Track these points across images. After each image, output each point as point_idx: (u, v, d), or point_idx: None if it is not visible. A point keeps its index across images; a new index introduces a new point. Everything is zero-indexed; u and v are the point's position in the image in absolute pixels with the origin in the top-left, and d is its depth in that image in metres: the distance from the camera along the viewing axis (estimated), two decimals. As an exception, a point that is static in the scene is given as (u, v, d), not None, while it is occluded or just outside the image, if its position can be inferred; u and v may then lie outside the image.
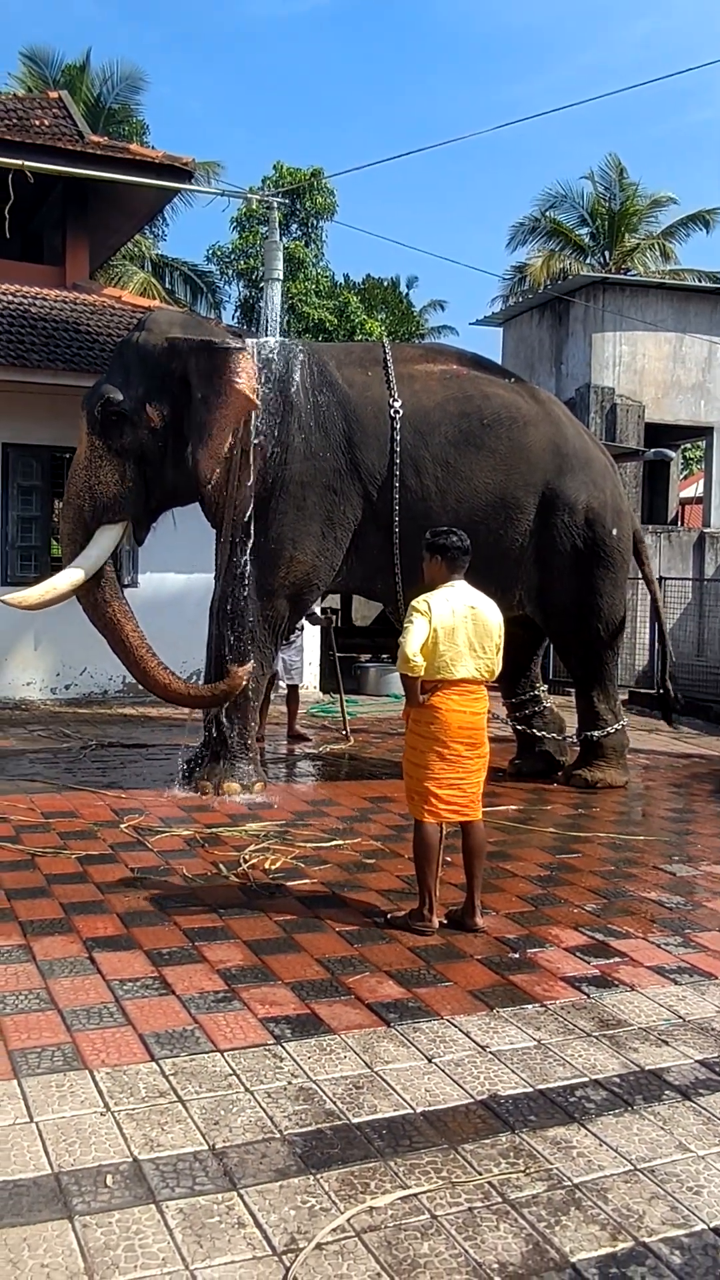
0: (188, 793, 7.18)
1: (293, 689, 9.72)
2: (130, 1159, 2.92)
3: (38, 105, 13.48)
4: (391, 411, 7.28)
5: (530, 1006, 4.05)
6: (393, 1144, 3.06)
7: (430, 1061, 3.57)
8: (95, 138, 13.02)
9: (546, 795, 7.72)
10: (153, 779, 7.68)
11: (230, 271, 28.04)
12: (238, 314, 27.38)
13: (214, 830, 6.29)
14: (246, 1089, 3.33)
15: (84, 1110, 3.15)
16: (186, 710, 8.05)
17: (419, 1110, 3.26)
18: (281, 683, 9.57)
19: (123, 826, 6.28)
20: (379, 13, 65.68)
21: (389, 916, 4.84)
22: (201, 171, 23.32)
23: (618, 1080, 3.51)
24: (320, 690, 12.76)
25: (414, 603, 4.73)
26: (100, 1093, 3.26)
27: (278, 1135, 3.08)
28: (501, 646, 4.84)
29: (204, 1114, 3.17)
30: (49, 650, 11.05)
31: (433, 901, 4.74)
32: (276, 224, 10.69)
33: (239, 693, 7.18)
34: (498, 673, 4.86)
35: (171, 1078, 3.37)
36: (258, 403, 6.87)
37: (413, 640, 4.58)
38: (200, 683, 7.65)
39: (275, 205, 10.43)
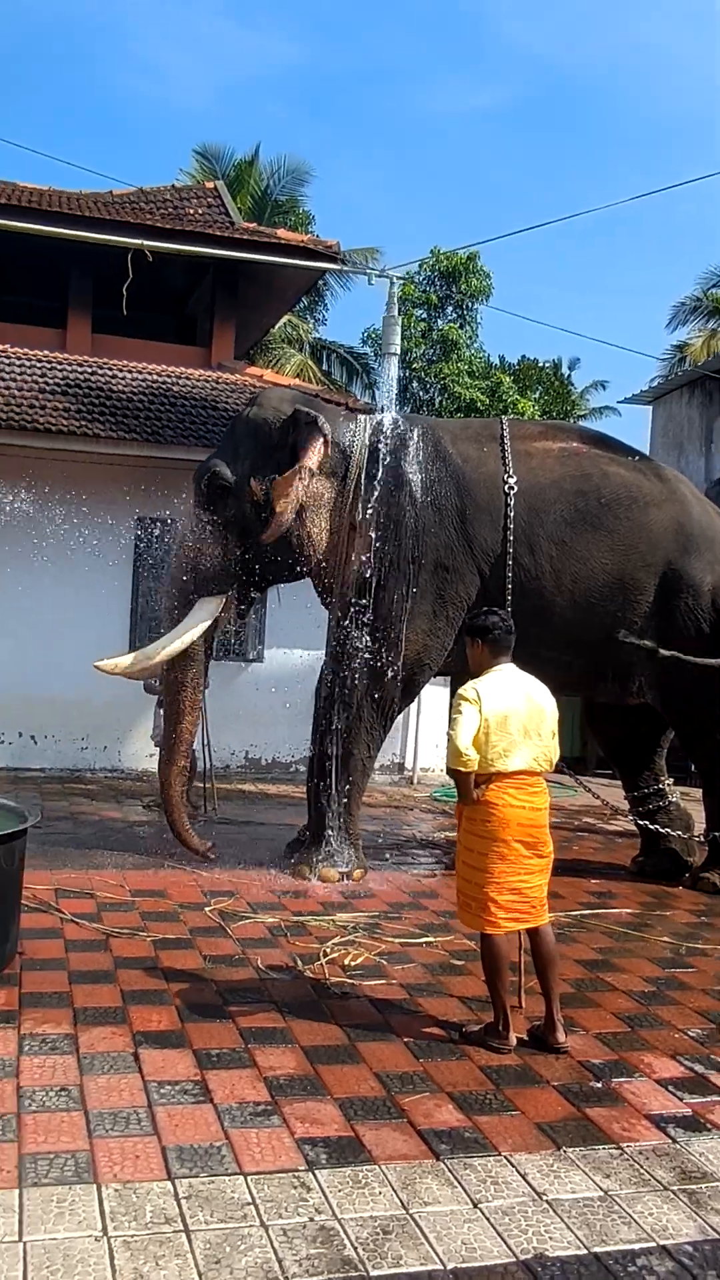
0: (285, 877, 6.94)
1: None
2: (112, 1297, 2.64)
3: (194, 195, 14.03)
4: (505, 487, 7.02)
5: (603, 1148, 3.60)
6: (410, 1307, 2.69)
7: (475, 1206, 3.18)
8: (245, 224, 13.42)
9: (667, 900, 7.14)
10: (254, 859, 7.45)
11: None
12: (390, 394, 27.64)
13: (301, 919, 6.01)
14: (261, 1222, 3.01)
15: (79, 1233, 2.89)
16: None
17: (449, 1266, 2.87)
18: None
19: (207, 910, 6.07)
20: (556, 105, 66.51)
21: (464, 1030, 4.45)
22: (359, 256, 23.78)
23: (689, 1248, 3.04)
24: (447, 774, 12.37)
25: (461, 690, 4.39)
26: (102, 1213, 2.99)
27: (282, 1283, 2.75)
28: (556, 733, 4.47)
29: (207, 1249, 2.87)
30: (173, 722, 11.04)
31: (508, 1018, 4.33)
32: (395, 301, 10.84)
33: (343, 776, 6.98)
34: (555, 762, 4.48)
35: (184, 1201, 3.09)
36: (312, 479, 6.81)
37: (463, 732, 4.24)
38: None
39: (393, 281, 10.49)
